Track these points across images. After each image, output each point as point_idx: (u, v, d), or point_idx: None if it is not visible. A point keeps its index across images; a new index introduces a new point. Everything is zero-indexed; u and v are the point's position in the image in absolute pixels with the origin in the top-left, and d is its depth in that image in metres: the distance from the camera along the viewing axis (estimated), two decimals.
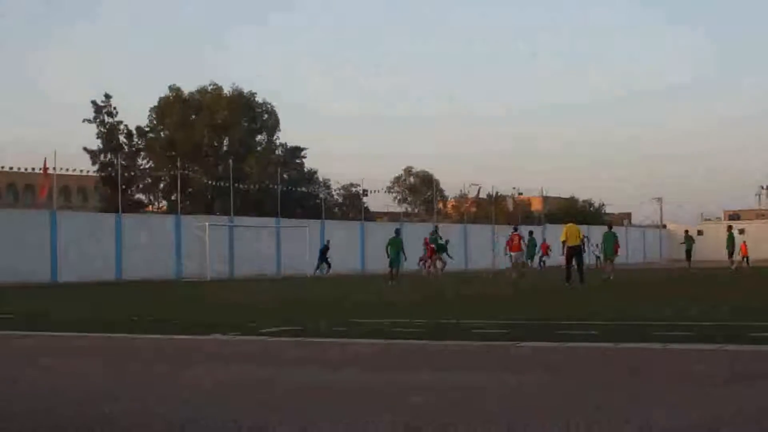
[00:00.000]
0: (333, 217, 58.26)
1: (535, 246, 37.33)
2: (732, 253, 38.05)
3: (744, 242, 44.79)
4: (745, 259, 43.76)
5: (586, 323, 10.35)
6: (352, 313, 13.38)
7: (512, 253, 30.31)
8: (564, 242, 23.77)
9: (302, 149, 65.38)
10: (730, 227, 39.64)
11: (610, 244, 28.88)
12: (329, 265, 40.32)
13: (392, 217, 70.01)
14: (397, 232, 29.40)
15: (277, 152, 64.11)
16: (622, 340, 8.16)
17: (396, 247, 28.39)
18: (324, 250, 40.99)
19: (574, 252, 23.41)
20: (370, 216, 63.23)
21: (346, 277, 38.41)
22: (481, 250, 55.86)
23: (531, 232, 36.68)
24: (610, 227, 29.96)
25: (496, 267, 50.66)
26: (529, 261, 35.12)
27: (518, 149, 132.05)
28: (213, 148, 62.10)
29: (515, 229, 31.33)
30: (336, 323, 10.99)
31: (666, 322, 10.05)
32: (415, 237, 40.49)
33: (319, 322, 11.11)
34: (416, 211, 78.36)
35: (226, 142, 62.42)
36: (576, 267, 23.10)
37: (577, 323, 10.36)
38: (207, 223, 40.47)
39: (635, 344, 7.81)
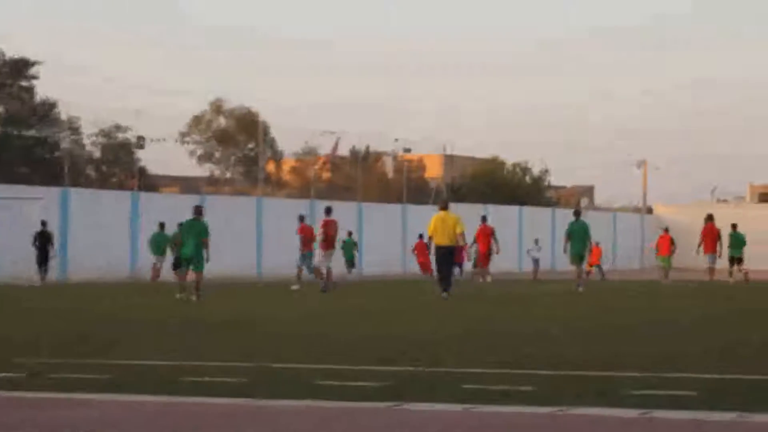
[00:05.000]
0: (85, 183, 57.35)
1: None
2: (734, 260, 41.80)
3: (597, 244, 48.40)
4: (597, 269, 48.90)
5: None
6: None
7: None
8: (431, 238, 27.30)
9: (33, 64, 64.31)
10: (734, 225, 42.55)
11: (581, 242, 32.06)
12: (46, 263, 40.19)
13: (187, 185, 69.37)
14: (199, 210, 29.90)
15: None
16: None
17: (196, 235, 29.01)
18: (41, 236, 40.63)
19: (446, 254, 27.21)
20: (150, 181, 62.40)
21: (101, 284, 38.92)
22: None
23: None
24: (578, 215, 33.06)
25: (357, 273, 51.76)
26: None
27: (399, 87, 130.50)
28: None
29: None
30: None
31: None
32: (222, 220, 42.39)
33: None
34: (229, 175, 77.91)
35: None
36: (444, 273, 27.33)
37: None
38: None
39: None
